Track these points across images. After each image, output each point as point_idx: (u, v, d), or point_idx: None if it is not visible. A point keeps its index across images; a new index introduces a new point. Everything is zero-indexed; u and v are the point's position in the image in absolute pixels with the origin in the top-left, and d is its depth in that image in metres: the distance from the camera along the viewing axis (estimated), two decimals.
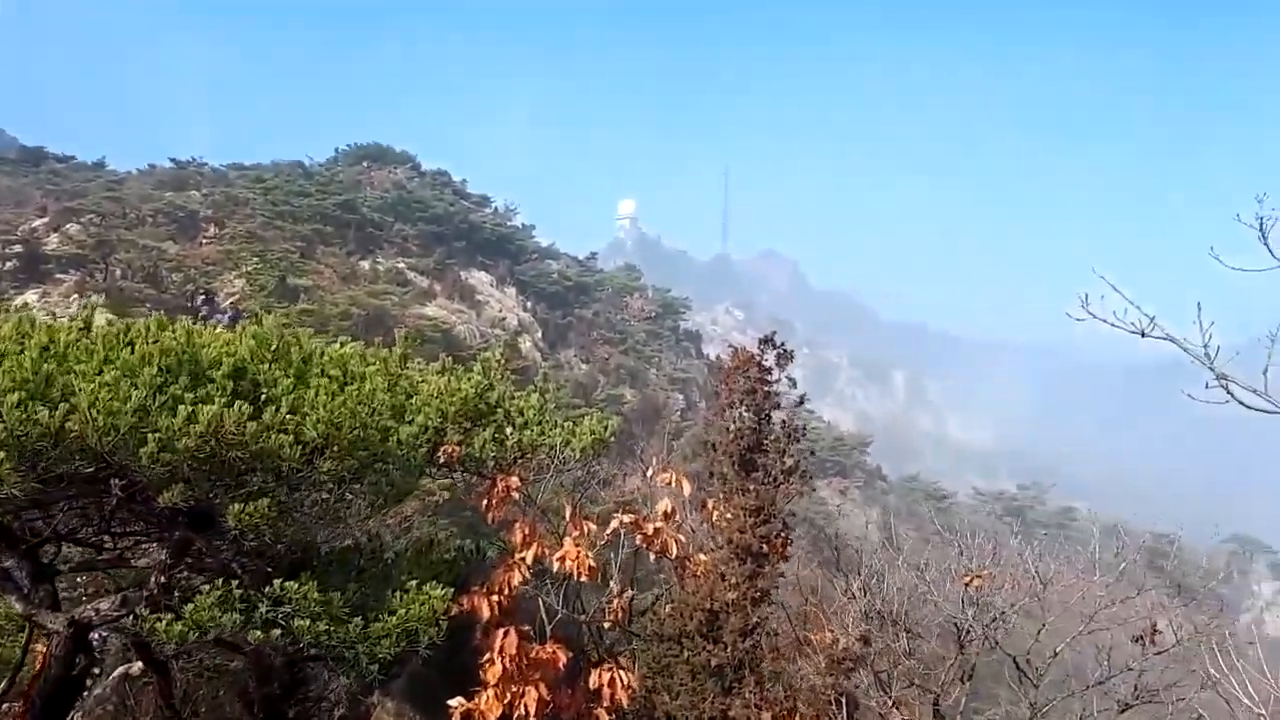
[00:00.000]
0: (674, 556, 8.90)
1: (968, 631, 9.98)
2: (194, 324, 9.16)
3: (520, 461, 9.65)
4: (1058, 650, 9.96)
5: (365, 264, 61.72)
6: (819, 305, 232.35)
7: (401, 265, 61.85)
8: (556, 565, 8.56)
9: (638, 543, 8.95)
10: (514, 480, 9.13)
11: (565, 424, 10.12)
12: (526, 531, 8.71)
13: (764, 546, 8.90)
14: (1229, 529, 78.25)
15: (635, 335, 71.64)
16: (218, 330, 9.67)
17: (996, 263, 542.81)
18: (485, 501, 9.34)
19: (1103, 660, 9.74)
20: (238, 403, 7.72)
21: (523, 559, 8.69)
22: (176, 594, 8.60)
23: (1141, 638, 9.43)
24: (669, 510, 9.26)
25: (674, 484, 9.60)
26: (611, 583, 9.65)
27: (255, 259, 57.20)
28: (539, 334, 65.71)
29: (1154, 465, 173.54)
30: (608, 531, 9.05)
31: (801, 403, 9.46)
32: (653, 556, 8.87)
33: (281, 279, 55.69)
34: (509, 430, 9.58)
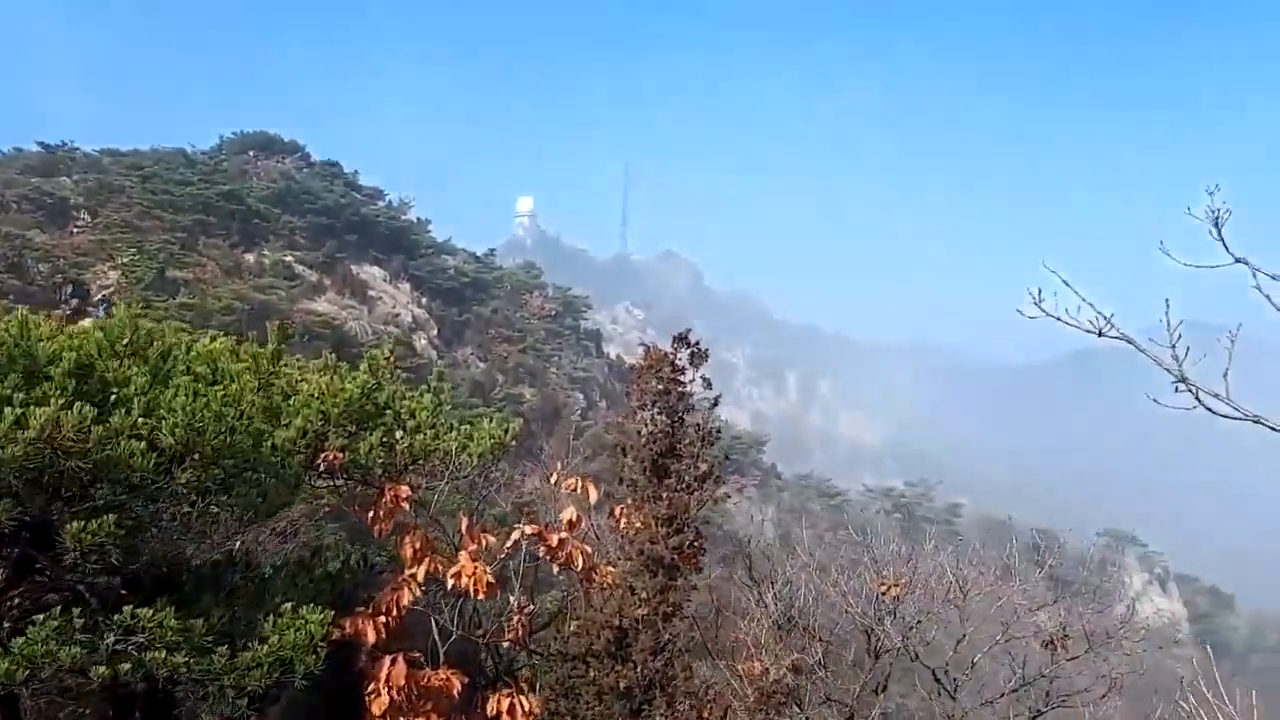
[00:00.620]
0: (580, 569, 8.12)
1: (882, 642, 9.61)
2: (47, 316, 8.03)
3: (412, 468, 8.82)
4: (975, 661, 9.67)
5: (250, 257, 58.95)
6: (718, 306, 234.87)
7: (289, 258, 59.28)
8: (451, 582, 7.66)
9: (540, 554, 8.14)
10: (404, 489, 8.30)
11: (462, 426, 9.28)
12: (418, 545, 7.84)
13: (676, 557, 8.22)
14: (1102, 524, 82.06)
15: (535, 333, 70.57)
16: (66, 323, 8.52)
17: (889, 265, 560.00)
18: (372, 513, 8.45)
19: (1017, 667, 9.52)
20: (79, 404, 6.68)
21: (413, 576, 7.83)
22: (6, 624, 7.45)
23: (1052, 642, 9.34)
24: (574, 518, 8.65)
25: (579, 490, 8.86)
26: (511, 597, 8.79)
27: (132, 250, 53.95)
28: (434, 331, 64.02)
29: (1035, 463, 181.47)
30: (508, 545, 8.18)
31: (715, 405, 8.91)
32: (556, 567, 8.04)
33: (160, 271, 52.67)
34: (399, 434, 8.70)
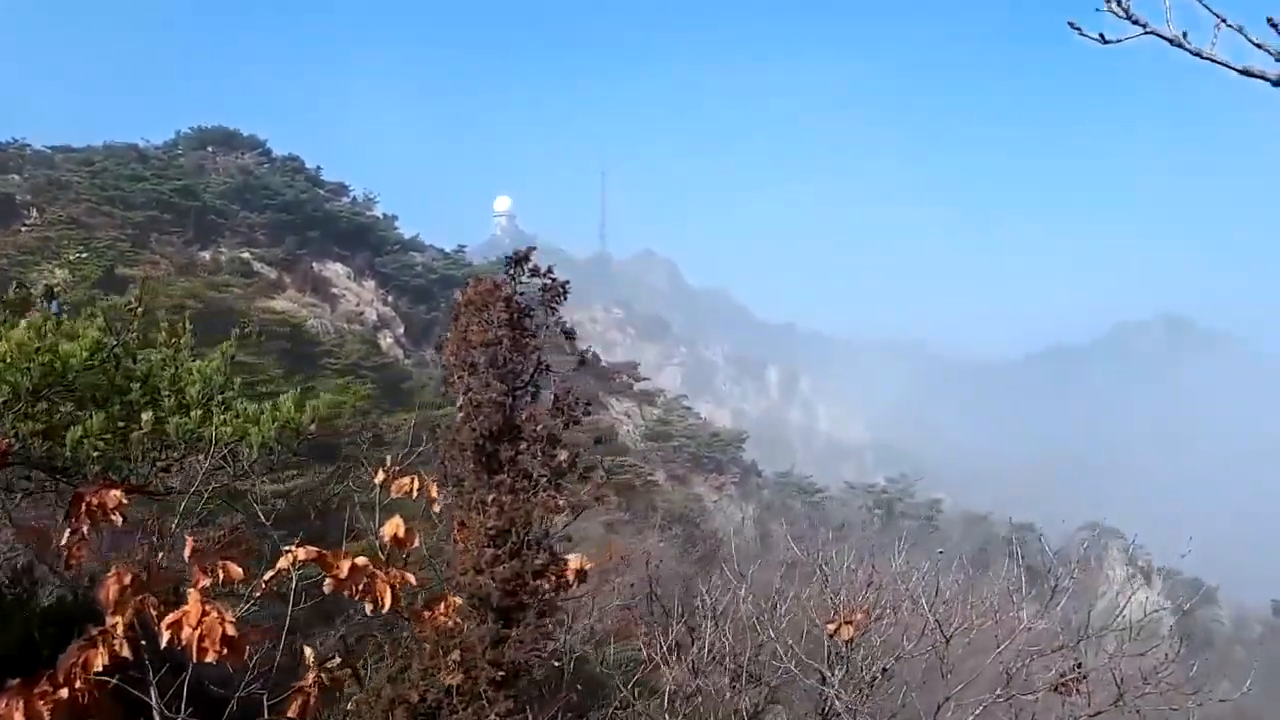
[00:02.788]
0: (388, 607, 5.22)
1: (831, 704, 7.66)
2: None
3: (160, 462, 6.66)
4: None
5: (206, 254, 57.03)
6: (697, 304, 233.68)
7: (247, 255, 57.39)
8: (167, 635, 4.68)
9: (326, 588, 5.15)
10: (112, 495, 5.54)
11: (249, 407, 7.32)
12: (126, 581, 4.74)
13: (516, 593, 5.86)
14: (1085, 517, 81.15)
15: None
16: None
17: (870, 261, 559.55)
18: (69, 531, 5.65)
19: None
20: None
21: (114, 626, 4.82)
22: None
23: (1065, 685, 7.40)
24: (400, 534, 5.76)
25: (414, 492, 6.30)
26: (309, 651, 5.63)
27: (80, 247, 52.02)
28: (401, 330, 62.26)
29: (1016, 458, 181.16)
30: (266, 577, 5.28)
31: (582, 363, 7.27)
32: (370, 607, 5.14)
33: (109, 269, 50.73)
34: (146, 416, 6.60)
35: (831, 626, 7.16)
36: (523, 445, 5.75)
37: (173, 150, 67.62)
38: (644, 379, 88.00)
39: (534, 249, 6.42)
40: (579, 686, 10.07)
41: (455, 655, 5.67)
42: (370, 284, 63.99)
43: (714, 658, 8.00)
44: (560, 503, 5.69)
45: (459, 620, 5.46)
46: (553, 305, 6.46)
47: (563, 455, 6.06)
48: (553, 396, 6.18)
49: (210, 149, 69.91)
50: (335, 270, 62.49)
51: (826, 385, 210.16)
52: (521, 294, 6.40)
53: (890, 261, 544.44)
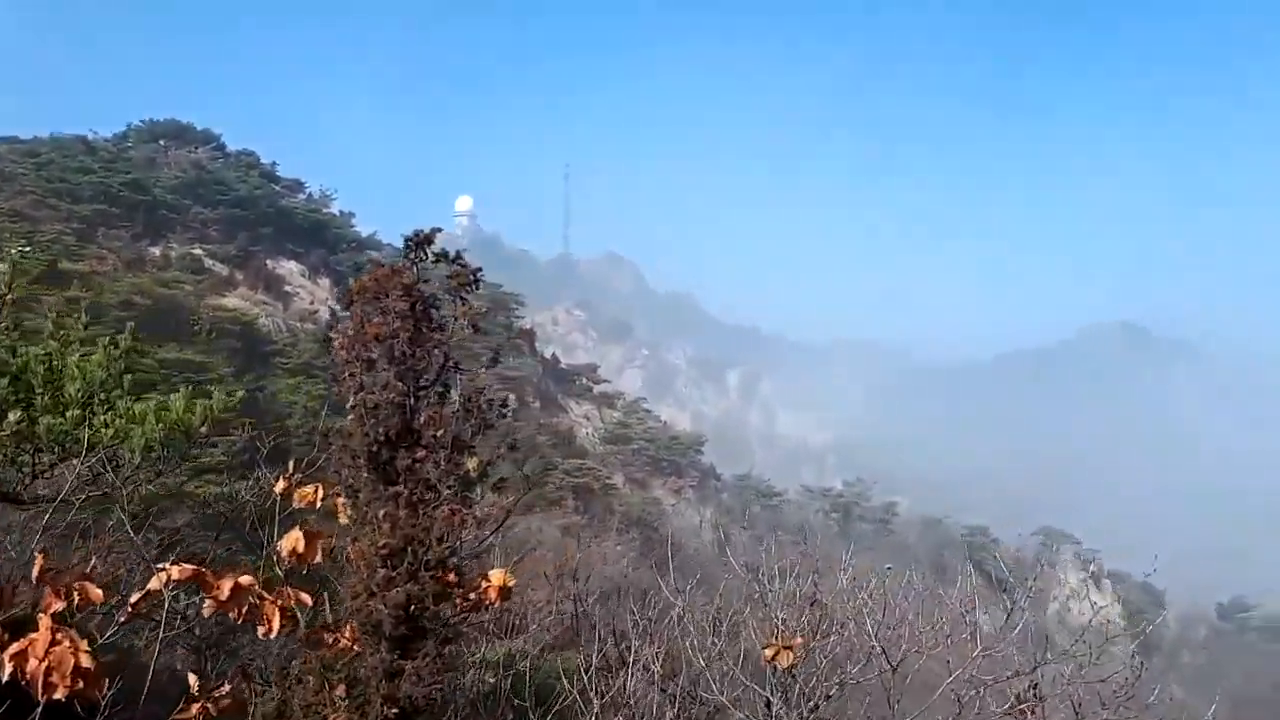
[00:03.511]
0: (276, 632, 4.82)
1: None
2: None
3: (29, 467, 6.05)
4: None
5: (156, 250, 55.71)
6: (660, 307, 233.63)
7: (198, 251, 56.12)
8: (10, 667, 3.93)
9: (205, 611, 4.58)
10: None
11: (135, 406, 6.80)
12: None
13: (416, 619, 5.16)
14: (1040, 520, 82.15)
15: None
16: None
17: (831, 265, 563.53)
18: None
19: None
20: None
21: None
22: None
23: (1021, 707, 7.03)
24: (299, 548, 5.22)
25: (318, 502, 5.71)
26: (194, 677, 4.86)
27: (22, 241, 50.51)
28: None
29: (974, 462, 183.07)
30: (134, 599, 4.56)
31: (494, 362, 6.88)
32: (260, 630, 4.66)
33: (52, 264, 49.33)
34: (13, 416, 6.06)
35: (769, 652, 6.70)
36: (422, 452, 5.17)
37: (123, 143, 66.01)
38: (604, 381, 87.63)
39: (439, 229, 5.93)
40: (524, 696, 9.63)
41: (341, 690, 5.04)
42: (325, 282, 62.92)
43: (648, 680, 7.61)
44: (467, 517, 5.15)
45: (355, 649, 4.92)
46: (462, 295, 5.97)
47: (471, 463, 5.51)
48: (466, 397, 5.71)
49: (162, 142, 68.40)
50: (289, 268, 61.37)
51: (788, 388, 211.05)
52: (426, 281, 5.96)
53: (855, 266, 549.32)
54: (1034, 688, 7.22)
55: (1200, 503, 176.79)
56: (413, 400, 5.40)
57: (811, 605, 7.24)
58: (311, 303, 59.90)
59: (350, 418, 5.33)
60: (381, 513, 5.02)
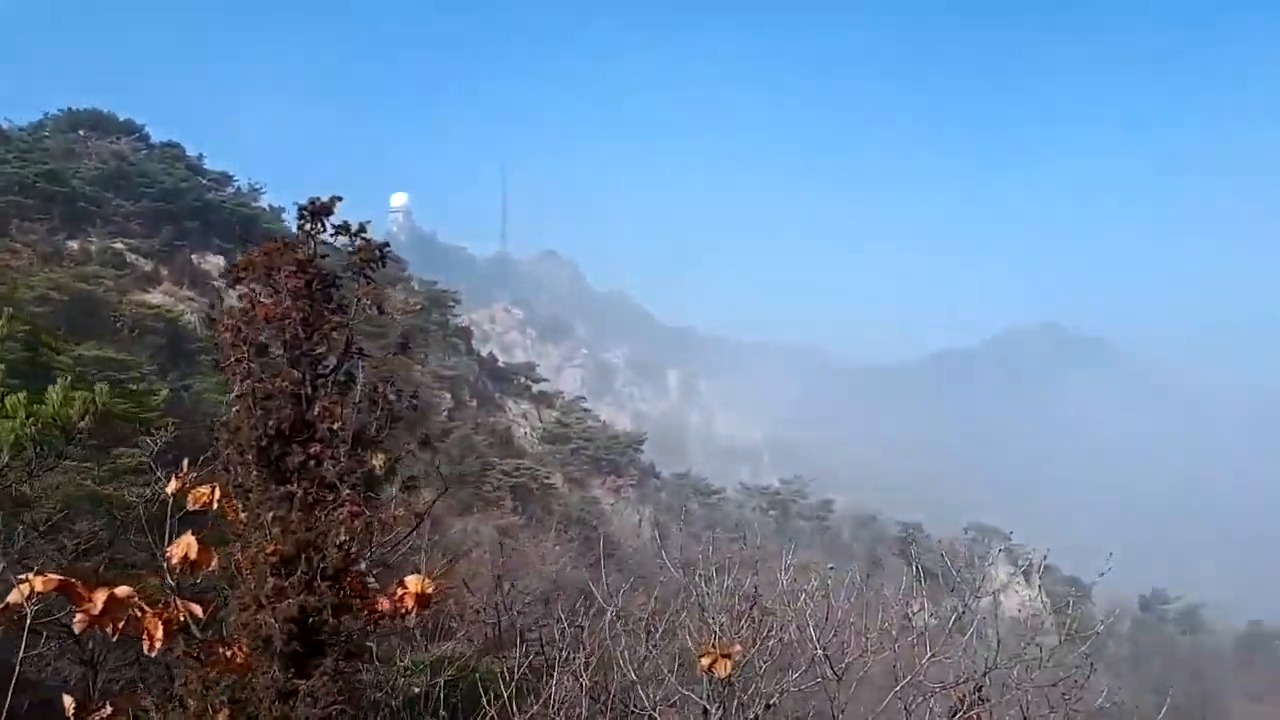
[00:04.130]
0: (158, 649, 4.05)
1: None
2: None
3: None
4: None
5: (74, 243, 53.53)
6: (599, 307, 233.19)
7: (120, 245, 54.06)
8: None
9: (76, 627, 3.85)
10: None
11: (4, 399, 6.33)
12: None
13: (315, 633, 4.54)
14: (970, 516, 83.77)
15: (397, 330, 66.81)
16: None
17: (768, 266, 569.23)
18: None
19: None
20: None
21: None
22: None
23: (964, 707, 6.91)
24: (191, 555, 4.50)
25: (214, 504, 5.00)
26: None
27: None
28: None
29: (907, 460, 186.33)
30: None
31: (405, 347, 6.43)
32: (145, 645, 4.04)
33: None
34: None
35: (705, 660, 6.32)
36: (317, 447, 4.60)
37: (39, 132, 63.32)
38: (543, 380, 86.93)
39: (339, 197, 5.40)
40: (449, 704, 9.26)
41: (225, 714, 4.39)
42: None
43: (578, 687, 7.26)
44: (371, 519, 4.59)
45: (245, 666, 4.31)
46: (366, 273, 5.41)
47: (377, 460, 4.95)
48: (369, 387, 5.18)
49: (81, 132, 65.77)
50: (216, 263, 59.47)
51: (726, 388, 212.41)
52: (324, 257, 5.42)
53: (790, 268, 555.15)
54: (979, 690, 7.09)
55: (1121, 495, 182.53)
56: (310, 390, 4.91)
57: (751, 607, 6.94)
58: (239, 300, 58.23)
59: (236, 408, 4.80)
60: (271, 515, 4.47)
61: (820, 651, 6.73)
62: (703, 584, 7.32)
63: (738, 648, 6.38)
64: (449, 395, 67.63)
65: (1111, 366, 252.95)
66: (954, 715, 6.76)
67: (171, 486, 4.89)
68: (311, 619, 4.34)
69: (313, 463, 4.65)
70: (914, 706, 6.80)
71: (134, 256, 54.17)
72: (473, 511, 55.69)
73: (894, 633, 7.11)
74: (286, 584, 4.37)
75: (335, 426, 4.81)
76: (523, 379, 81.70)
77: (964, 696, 7.18)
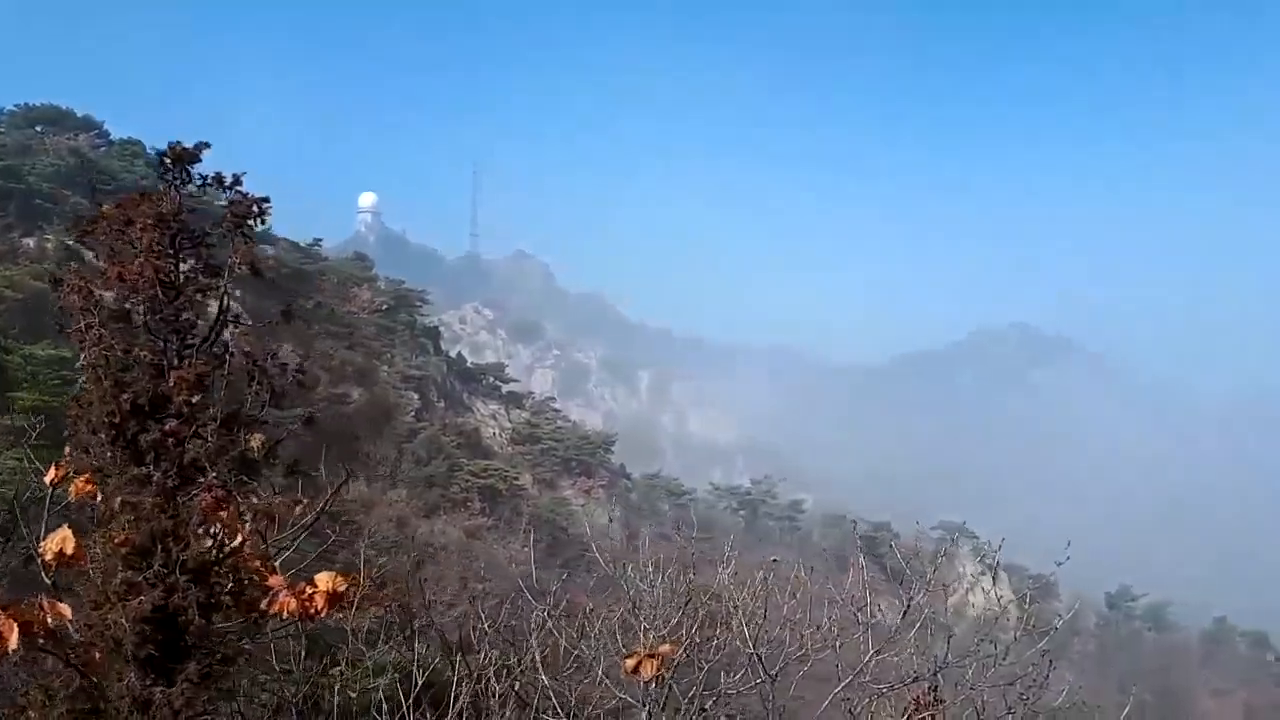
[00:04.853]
0: (11, 650, 3.61)
1: None
2: None
3: None
4: None
5: (30, 241, 52.45)
6: (571, 308, 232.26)
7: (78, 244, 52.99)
8: None
9: None
10: None
11: None
12: None
13: (178, 634, 3.99)
14: (940, 516, 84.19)
15: (364, 329, 66.12)
16: None
17: (742, 268, 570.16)
18: None
19: None
20: None
21: None
22: None
23: (919, 707, 6.62)
24: (67, 549, 4.11)
25: (85, 492, 4.47)
26: None
27: None
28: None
29: (878, 460, 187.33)
30: None
31: (288, 316, 5.97)
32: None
33: None
34: None
35: (630, 661, 5.91)
36: (174, 423, 4.11)
37: None
38: (513, 381, 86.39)
39: (206, 144, 4.95)
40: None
41: None
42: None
43: (495, 692, 6.88)
44: (243, 508, 4.10)
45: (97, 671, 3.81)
46: (244, 231, 4.94)
47: (255, 441, 4.45)
48: (248, 352, 4.71)
49: (39, 129, 64.47)
50: None
51: (698, 389, 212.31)
52: (192, 211, 4.97)
53: (761, 269, 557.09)
54: (934, 691, 6.79)
55: (1093, 496, 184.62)
56: (177, 361, 4.49)
57: (687, 603, 6.57)
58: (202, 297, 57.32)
59: (83, 379, 4.34)
60: (121, 501, 3.97)
61: (752, 651, 6.37)
62: (638, 580, 6.96)
63: (667, 648, 6.02)
64: (416, 396, 66.97)
65: (1082, 367, 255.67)
66: (906, 716, 6.47)
67: (50, 475, 4.43)
68: (181, 618, 3.87)
69: (171, 441, 4.20)
70: (860, 708, 6.47)
71: (92, 255, 53.09)
72: (440, 513, 55.18)
73: (836, 630, 6.79)
74: (140, 579, 3.90)
75: (194, 400, 4.36)
76: (492, 379, 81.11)
77: (919, 698, 6.89)
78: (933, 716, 6.36)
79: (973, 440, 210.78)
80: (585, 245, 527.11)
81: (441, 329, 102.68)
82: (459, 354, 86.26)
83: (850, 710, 6.45)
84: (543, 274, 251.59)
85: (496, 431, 73.60)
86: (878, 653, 6.68)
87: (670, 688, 6.41)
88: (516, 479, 63.00)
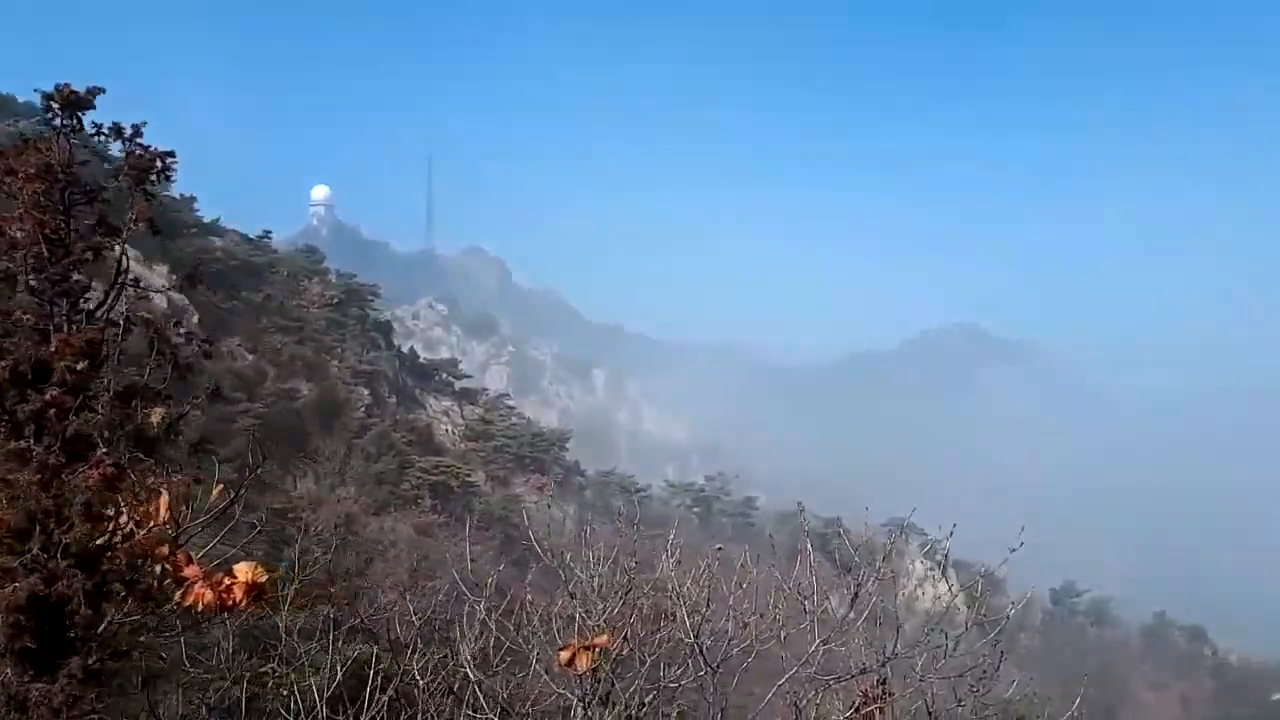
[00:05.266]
0: None
1: None
2: None
3: None
4: None
5: None
6: (526, 304, 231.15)
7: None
8: None
9: None
10: None
11: None
12: None
13: (64, 626, 3.56)
14: (888, 513, 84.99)
15: (315, 323, 64.97)
16: None
17: (699, 266, 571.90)
18: None
19: None
20: None
21: None
22: None
23: (868, 701, 6.50)
24: None
25: None
26: None
27: None
28: (195, 318, 57.34)
29: (830, 457, 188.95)
30: None
31: (192, 280, 5.68)
32: None
33: None
34: None
35: (565, 654, 5.69)
36: (56, 393, 3.75)
37: None
38: (466, 377, 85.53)
39: (100, 89, 4.56)
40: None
41: None
42: (161, 268, 58.68)
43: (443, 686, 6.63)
44: (139, 487, 3.76)
45: None
46: (144, 186, 4.56)
47: (155, 416, 4.10)
48: (148, 327, 4.37)
49: None
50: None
51: (652, 387, 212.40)
52: (84, 162, 4.59)
53: (717, 268, 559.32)
54: (882, 684, 6.65)
55: (1035, 493, 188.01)
56: (68, 327, 4.11)
57: (628, 594, 6.36)
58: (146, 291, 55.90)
59: None
60: (12, 473, 3.59)
61: (693, 641, 6.17)
62: (578, 570, 6.75)
63: (604, 638, 5.81)
64: (367, 391, 65.94)
65: (1029, 368, 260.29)
66: (854, 708, 6.34)
67: None
68: (63, 607, 3.50)
69: (54, 413, 3.84)
70: (806, 701, 6.30)
71: None
72: (390, 510, 54.36)
73: (783, 620, 6.62)
74: (16, 564, 3.53)
75: (80, 368, 4.01)
76: (445, 375, 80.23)
77: (867, 690, 6.77)
78: (881, 709, 6.24)
79: (922, 439, 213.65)
80: (540, 242, 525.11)
81: (394, 324, 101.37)
82: (411, 349, 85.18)
83: (795, 703, 6.26)
84: (498, 270, 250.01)
85: (449, 428, 72.81)
86: (824, 642, 6.51)
87: (611, 683, 6.17)
88: (469, 476, 62.33)
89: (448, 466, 62.21)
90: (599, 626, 6.25)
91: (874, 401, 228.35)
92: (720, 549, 7.41)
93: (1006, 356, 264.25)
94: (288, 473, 53.85)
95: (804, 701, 6.38)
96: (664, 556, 7.01)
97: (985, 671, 7.25)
